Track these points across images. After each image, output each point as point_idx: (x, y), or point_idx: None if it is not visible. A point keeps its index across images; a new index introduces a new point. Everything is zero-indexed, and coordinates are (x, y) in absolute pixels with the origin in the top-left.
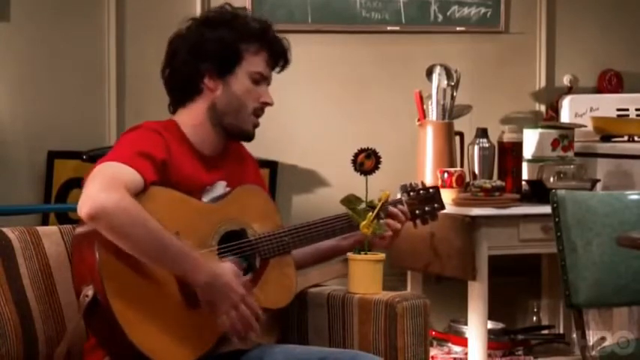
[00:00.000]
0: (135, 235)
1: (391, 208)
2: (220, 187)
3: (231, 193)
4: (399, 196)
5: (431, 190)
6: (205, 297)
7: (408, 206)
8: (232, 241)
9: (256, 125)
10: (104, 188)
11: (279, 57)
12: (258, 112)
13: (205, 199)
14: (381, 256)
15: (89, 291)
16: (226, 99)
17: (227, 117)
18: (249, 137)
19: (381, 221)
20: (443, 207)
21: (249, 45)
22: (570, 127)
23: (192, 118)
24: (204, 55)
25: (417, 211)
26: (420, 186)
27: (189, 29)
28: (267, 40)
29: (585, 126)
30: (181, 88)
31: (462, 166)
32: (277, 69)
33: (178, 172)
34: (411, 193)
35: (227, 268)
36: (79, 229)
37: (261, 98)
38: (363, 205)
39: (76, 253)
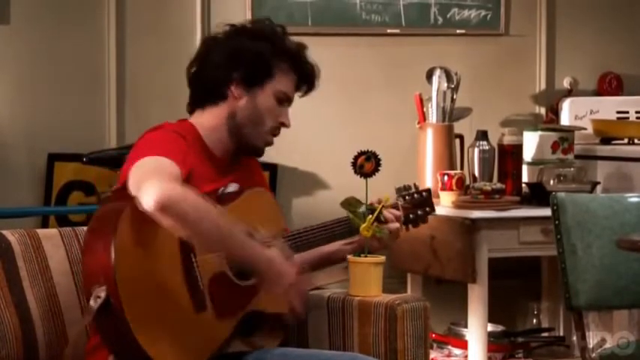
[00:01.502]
0: (202, 222)
1: (385, 213)
2: (232, 188)
3: (241, 196)
4: (386, 190)
5: (424, 194)
6: (266, 279)
7: (403, 210)
8: None
9: (269, 144)
10: (164, 180)
11: (306, 81)
12: (275, 131)
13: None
14: (381, 258)
15: (102, 292)
16: (248, 110)
17: (245, 128)
18: (259, 153)
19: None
20: (433, 210)
21: (282, 63)
22: (570, 130)
23: (210, 122)
24: (239, 63)
25: (411, 215)
26: (414, 189)
27: (228, 35)
28: (299, 62)
29: (585, 128)
30: (207, 89)
31: (462, 168)
32: (300, 93)
33: (196, 177)
34: (407, 197)
35: (277, 252)
36: (92, 226)
37: (279, 118)
38: (363, 208)
39: (88, 251)
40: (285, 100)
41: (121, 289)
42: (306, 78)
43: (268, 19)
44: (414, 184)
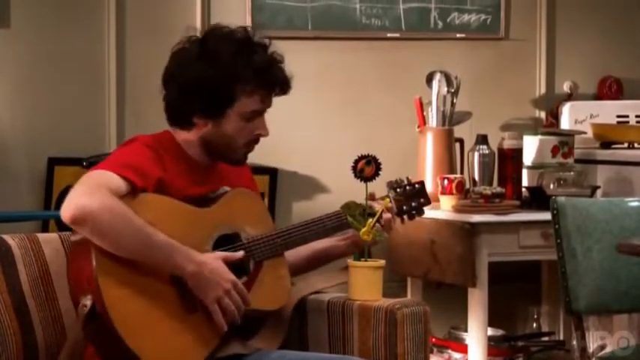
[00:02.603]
0: (120, 234)
1: (374, 204)
2: (222, 191)
3: (224, 197)
4: (385, 192)
5: (417, 186)
6: (195, 286)
7: (395, 202)
8: (226, 245)
9: (248, 153)
10: (86, 192)
11: (277, 90)
12: (252, 144)
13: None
14: (381, 262)
15: (87, 301)
16: (216, 135)
17: (218, 148)
18: (239, 164)
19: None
20: (429, 202)
21: (245, 85)
22: (570, 134)
23: (186, 137)
24: (195, 95)
25: (404, 207)
26: (406, 182)
27: (190, 57)
28: (265, 79)
29: (585, 132)
30: (173, 117)
31: (462, 172)
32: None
33: (176, 186)
34: (398, 190)
35: (212, 257)
36: (74, 238)
37: (254, 132)
38: (363, 212)
39: (71, 262)
40: (255, 116)
41: (105, 295)
42: (275, 88)
43: (243, 27)
44: (407, 178)
